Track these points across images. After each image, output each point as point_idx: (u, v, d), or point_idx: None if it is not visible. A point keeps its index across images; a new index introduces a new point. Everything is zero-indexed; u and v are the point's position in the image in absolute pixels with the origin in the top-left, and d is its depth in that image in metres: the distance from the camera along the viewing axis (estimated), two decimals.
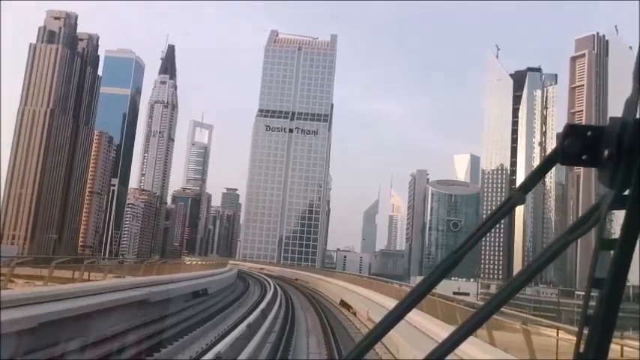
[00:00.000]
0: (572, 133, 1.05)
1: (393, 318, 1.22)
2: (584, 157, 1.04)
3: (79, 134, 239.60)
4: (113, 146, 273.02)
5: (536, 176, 1.14)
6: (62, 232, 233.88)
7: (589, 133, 1.04)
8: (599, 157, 1.02)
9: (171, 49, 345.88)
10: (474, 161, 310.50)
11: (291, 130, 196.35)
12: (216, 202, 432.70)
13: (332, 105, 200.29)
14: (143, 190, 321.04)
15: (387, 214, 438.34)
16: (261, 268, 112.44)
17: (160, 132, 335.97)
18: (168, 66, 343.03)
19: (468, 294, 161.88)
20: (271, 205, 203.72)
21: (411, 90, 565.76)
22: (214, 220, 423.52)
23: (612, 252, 0.98)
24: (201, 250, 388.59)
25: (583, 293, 1.07)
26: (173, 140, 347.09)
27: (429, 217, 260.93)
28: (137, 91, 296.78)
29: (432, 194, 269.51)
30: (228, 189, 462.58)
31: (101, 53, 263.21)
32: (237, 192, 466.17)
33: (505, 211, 1.16)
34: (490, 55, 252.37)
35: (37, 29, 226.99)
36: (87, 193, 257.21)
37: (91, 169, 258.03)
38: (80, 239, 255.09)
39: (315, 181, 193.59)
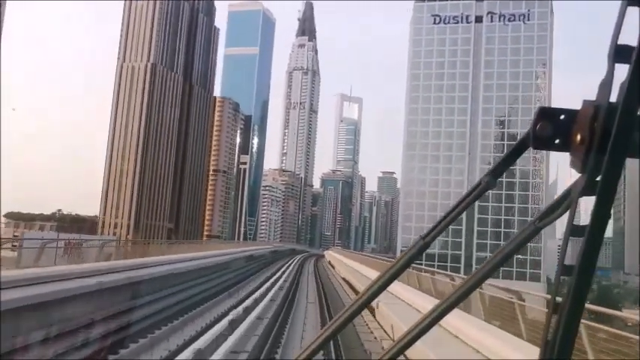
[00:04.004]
0: (544, 116, 0.95)
1: (359, 305, 1.13)
2: (556, 141, 0.95)
3: (193, 98, 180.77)
4: (240, 115, 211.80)
5: (508, 161, 1.03)
6: (178, 219, 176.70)
7: (562, 117, 0.95)
8: (571, 142, 0.93)
9: (309, 7, 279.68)
10: None
11: (479, 19, 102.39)
12: (371, 186, 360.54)
13: None
14: (284, 171, 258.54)
15: None
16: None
17: (300, 103, 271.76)
18: (307, 27, 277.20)
19: None
20: (450, 155, 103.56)
21: None
22: (370, 206, 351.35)
23: (582, 239, 0.90)
24: (357, 240, 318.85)
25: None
26: (316, 112, 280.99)
27: None
28: (267, 51, 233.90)
29: None
30: (384, 172, 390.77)
31: (220, 6, 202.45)
32: (395, 176, 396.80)
33: (475, 195, 1.05)
34: None
35: None
36: (210, 172, 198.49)
37: (214, 142, 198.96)
38: (206, 228, 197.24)
39: (531, 106, 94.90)
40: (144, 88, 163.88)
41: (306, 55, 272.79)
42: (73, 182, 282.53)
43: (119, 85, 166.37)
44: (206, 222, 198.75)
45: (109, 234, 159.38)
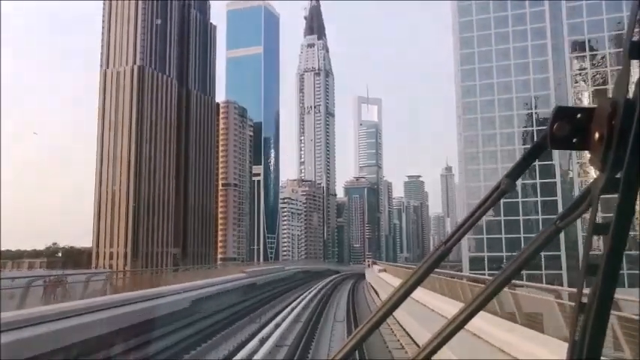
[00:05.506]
0: (561, 115, 0.92)
1: (381, 315, 1.07)
2: (574, 140, 0.91)
3: (192, 103, 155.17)
4: (248, 121, 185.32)
5: (525, 163, 0.99)
6: (186, 243, 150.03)
7: (579, 115, 0.92)
8: (589, 140, 0.90)
9: (315, 4, 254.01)
10: None
11: None
12: (397, 192, 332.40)
13: None
14: (303, 181, 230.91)
15: None
16: None
17: (314, 107, 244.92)
18: (315, 25, 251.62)
19: None
20: (527, 97, 71.71)
21: None
22: (399, 213, 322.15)
23: (606, 237, 0.86)
24: (388, 250, 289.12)
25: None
26: (332, 115, 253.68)
27: None
28: (273, 50, 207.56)
29: None
30: (410, 177, 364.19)
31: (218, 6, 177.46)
32: (421, 179, 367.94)
33: (494, 199, 1.01)
34: None
35: None
36: (220, 187, 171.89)
37: (221, 153, 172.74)
38: (219, 250, 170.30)
39: None
40: (132, 95, 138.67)
41: (317, 55, 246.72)
42: (68, 211, 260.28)
43: (104, 95, 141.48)
44: (219, 243, 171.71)
45: (104, 266, 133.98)
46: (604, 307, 0.87)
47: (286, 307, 37.25)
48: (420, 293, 21.63)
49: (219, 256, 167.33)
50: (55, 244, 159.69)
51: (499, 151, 68.49)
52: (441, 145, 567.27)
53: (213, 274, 45.69)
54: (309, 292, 49.78)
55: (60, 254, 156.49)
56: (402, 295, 1.06)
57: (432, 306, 19.78)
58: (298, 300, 41.51)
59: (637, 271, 58.87)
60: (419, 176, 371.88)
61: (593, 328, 0.88)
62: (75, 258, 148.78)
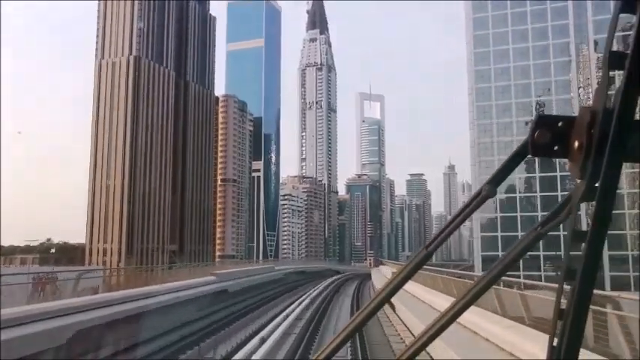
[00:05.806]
0: (542, 123, 0.93)
1: (364, 317, 1.10)
2: (555, 148, 0.93)
3: (190, 96, 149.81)
4: (248, 116, 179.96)
5: (507, 169, 1.00)
6: (183, 239, 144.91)
7: (560, 124, 0.93)
8: (570, 149, 0.91)
9: None
10: None
11: None
12: (400, 190, 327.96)
13: None
14: (304, 178, 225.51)
15: None
16: None
17: (316, 102, 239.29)
18: (317, 19, 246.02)
19: None
20: (548, 83, 64.99)
21: None
22: (401, 211, 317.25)
23: (584, 244, 0.88)
24: (390, 248, 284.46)
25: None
26: (334, 111, 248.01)
27: None
28: (274, 44, 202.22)
29: None
30: (412, 175, 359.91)
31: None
32: (424, 177, 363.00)
33: (475, 205, 1.02)
34: None
35: None
36: (218, 182, 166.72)
37: (220, 147, 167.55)
38: (217, 247, 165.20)
39: None
40: (127, 86, 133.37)
41: (319, 50, 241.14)
42: (67, 209, 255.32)
43: (99, 86, 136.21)
44: (217, 240, 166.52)
45: (97, 263, 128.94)
46: (582, 312, 0.88)
47: (259, 330, 24.98)
48: (430, 296, 21.74)
49: (218, 253, 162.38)
50: (49, 239, 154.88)
51: (515, 142, 63.22)
52: (443, 144, 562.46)
53: (175, 276, 32.97)
54: (299, 304, 36.89)
55: (54, 250, 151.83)
56: (385, 297, 1.08)
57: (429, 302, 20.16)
58: (279, 319, 28.17)
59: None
60: (421, 174, 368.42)
61: (570, 332, 0.89)
62: (69, 254, 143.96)
